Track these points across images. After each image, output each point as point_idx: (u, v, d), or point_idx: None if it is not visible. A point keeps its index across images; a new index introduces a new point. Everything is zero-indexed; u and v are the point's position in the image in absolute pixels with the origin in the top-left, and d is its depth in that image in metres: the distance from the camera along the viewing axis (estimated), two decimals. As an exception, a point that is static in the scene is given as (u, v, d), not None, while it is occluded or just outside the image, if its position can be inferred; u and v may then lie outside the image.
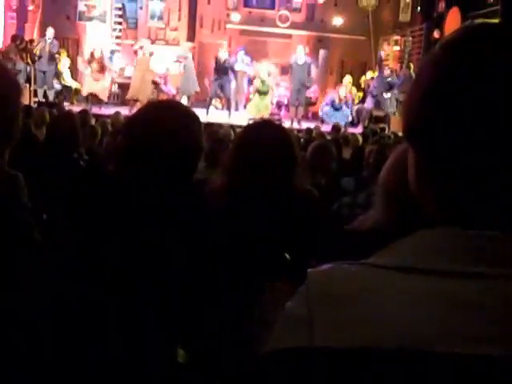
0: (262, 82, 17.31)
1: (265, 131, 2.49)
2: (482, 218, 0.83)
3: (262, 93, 17.30)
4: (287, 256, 2.21)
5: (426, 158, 0.88)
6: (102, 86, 17.55)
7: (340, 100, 17.59)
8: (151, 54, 17.33)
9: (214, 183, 2.47)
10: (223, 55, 17.15)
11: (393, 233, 1.92)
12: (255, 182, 2.35)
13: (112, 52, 19.34)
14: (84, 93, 17.91)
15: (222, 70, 17.02)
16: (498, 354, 0.75)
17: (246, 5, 20.88)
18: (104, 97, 17.72)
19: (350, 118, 17.84)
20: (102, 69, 17.60)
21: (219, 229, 2.03)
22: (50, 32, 17.25)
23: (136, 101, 17.11)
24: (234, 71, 17.67)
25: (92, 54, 17.60)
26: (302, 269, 2.05)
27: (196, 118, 2.05)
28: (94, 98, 17.40)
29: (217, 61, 17.17)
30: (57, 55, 17.86)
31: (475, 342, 0.76)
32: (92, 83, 17.46)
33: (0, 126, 0.91)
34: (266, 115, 17.50)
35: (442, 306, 0.79)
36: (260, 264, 2.08)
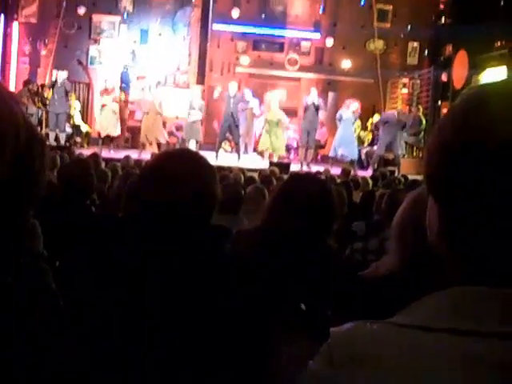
0: (274, 111, 17.26)
1: (309, 185, 2.51)
2: (507, 275, 0.82)
3: (273, 124, 17.16)
4: (303, 306, 2.20)
5: (445, 213, 0.88)
6: (112, 120, 17.68)
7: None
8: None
9: (245, 228, 2.48)
10: (233, 89, 17.02)
11: (407, 279, 1.92)
12: (291, 232, 2.37)
13: (125, 67, 19.33)
14: (96, 129, 18.10)
15: (231, 106, 16.72)
16: None
17: (254, 48, 21.08)
18: (114, 131, 17.82)
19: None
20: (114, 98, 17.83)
21: (241, 273, 2.04)
22: (63, 74, 17.42)
23: (144, 145, 17.17)
24: (244, 103, 17.43)
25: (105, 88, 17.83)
26: (317, 320, 2.04)
27: (209, 166, 2.06)
28: (106, 139, 17.51)
29: (225, 96, 16.95)
30: (69, 96, 18.03)
31: None
32: (103, 121, 17.57)
33: (25, 188, 0.91)
34: (280, 154, 17.50)
35: (465, 367, 0.78)
36: (277, 313, 2.07)
